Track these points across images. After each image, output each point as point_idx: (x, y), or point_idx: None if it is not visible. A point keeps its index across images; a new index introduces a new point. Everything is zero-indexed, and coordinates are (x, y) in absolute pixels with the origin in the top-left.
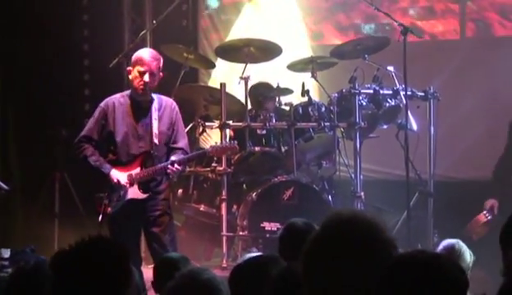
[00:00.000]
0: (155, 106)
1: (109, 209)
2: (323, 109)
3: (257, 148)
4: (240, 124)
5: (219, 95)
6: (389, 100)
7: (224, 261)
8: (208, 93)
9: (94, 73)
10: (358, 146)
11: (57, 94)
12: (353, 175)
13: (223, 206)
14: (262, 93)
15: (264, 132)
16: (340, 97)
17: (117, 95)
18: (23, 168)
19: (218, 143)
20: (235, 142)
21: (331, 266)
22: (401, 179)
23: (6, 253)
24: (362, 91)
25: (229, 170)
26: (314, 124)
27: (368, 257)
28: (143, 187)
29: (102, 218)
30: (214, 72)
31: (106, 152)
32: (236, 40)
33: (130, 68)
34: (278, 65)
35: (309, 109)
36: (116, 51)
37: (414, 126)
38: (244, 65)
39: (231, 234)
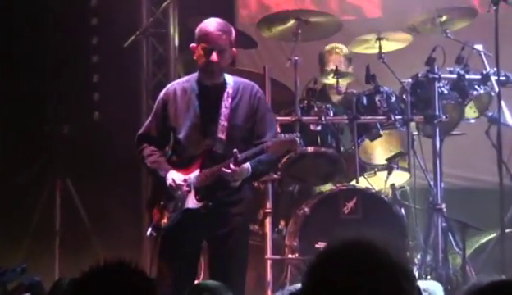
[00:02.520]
0: (229, 91)
1: (164, 221)
2: (393, 99)
3: (310, 149)
4: (289, 118)
5: (261, 81)
6: (477, 87)
7: (269, 293)
8: (247, 78)
9: (105, 54)
10: (438, 145)
11: (57, 80)
12: (431, 182)
13: (267, 221)
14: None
15: (319, 128)
16: (415, 84)
17: (182, 79)
18: (14, 173)
19: (279, 137)
20: (297, 134)
21: None
22: (493, 186)
23: None
24: (442, 76)
25: (275, 176)
26: (382, 117)
27: None
28: (201, 194)
29: (152, 231)
30: (256, 52)
31: (170, 154)
32: (285, 11)
33: (193, 45)
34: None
35: (376, 99)
36: (133, 26)
37: (509, 120)
38: (293, 42)
39: (278, 257)
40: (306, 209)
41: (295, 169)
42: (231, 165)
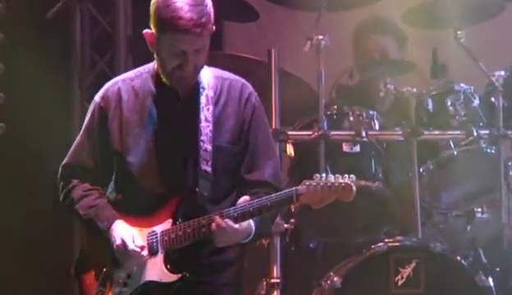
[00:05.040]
0: (208, 93)
1: None
2: (476, 102)
3: (341, 176)
4: (309, 132)
5: (263, 74)
6: None
7: None
8: (242, 69)
9: (13, 29)
10: None
11: None
12: None
13: None
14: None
15: (357, 149)
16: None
17: (129, 74)
18: None
19: (318, 180)
20: (352, 177)
21: None
22: None
23: None
24: None
25: (286, 225)
26: (458, 132)
27: None
28: (172, 260)
29: None
30: (257, 28)
31: (114, 189)
32: None
33: (149, 32)
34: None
35: (448, 103)
36: None
37: None
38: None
39: None
40: (336, 278)
41: (319, 215)
42: (228, 222)
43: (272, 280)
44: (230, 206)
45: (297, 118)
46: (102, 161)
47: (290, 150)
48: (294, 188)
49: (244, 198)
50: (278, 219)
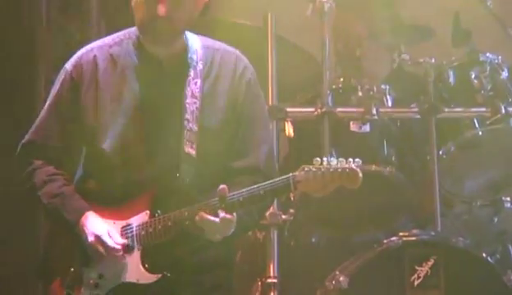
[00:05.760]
0: (196, 64)
1: None
2: (504, 74)
3: (345, 159)
4: (311, 109)
5: (259, 42)
6: None
7: None
8: (235, 37)
9: None
10: None
11: None
12: None
13: None
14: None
15: (367, 128)
16: None
17: (107, 40)
18: None
19: (319, 165)
20: (358, 161)
21: None
22: None
23: None
24: None
25: (284, 216)
26: (483, 109)
27: None
28: (151, 258)
29: None
30: None
31: (83, 174)
32: None
33: None
34: None
35: (472, 75)
36: None
37: None
38: None
39: None
40: (342, 278)
41: (323, 204)
42: (220, 213)
43: (268, 280)
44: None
45: (297, 93)
46: (70, 140)
47: (288, 130)
48: (291, 175)
49: (221, 187)
50: (275, 209)
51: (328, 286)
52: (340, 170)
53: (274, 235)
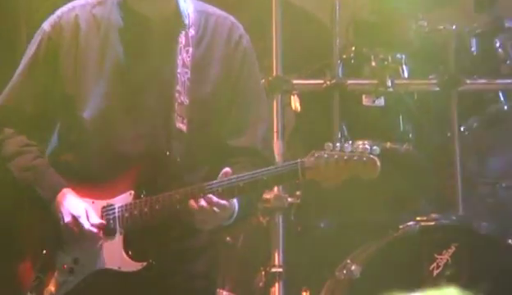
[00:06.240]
0: (189, 30)
1: (49, 289)
2: None
3: (361, 144)
4: (320, 81)
5: (261, 7)
6: None
7: None
8: (233, 0)
9: None
10: None
11: None
12: None
13: (275, 291)
14: None
15: (382, 102)
16: None
17: (89, 0)
18: None
19: (331, 150)
20: (376, 149)
21: None
22: None
23: None
24: None
25: (290, 198)
26: (509, 81)
27: None
28: (135, 244)
29: None
30: None
31: (58, 146)
32: None
33: None
34: None
35: (496, 43)
36: None
37: None
38: None
39: None
40: (354, 267)
41: (333, 187)
42: (214, 199)
43: (273, 269)
44: (209, 177)
45: (305, 63)
46: (45, 107)
47: (295, 104)
48: (299, 160)
49: (226, 170)
50: (281, 191)
51: (339, 276)
52: (356, 158)
53: (279, 220)
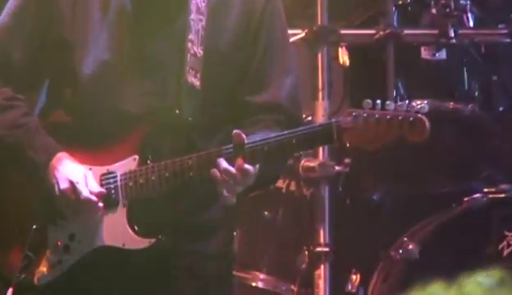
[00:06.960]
0: None
1: (41, 270)
2: None
3: (419, 104)
4: (372, 31)
5: None
6: None
7: None
8: None
9: None
10: None
11: None
12: None
13: (321, 273)
14: None
15: (444, 55)
16: None
17: None
18: None
19: (370, 108)
20: (424, 108)
21: None
22: None
23: None
24: None
25: (338, 167)
26: None
27: None
28: (141, 218)
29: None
30: None
31: (47, 104)
32: None
33: None
34: None
35: None
36: None
37: None
38: None
39: None
40: (411, 246)
41: (386, 153)
42: (241, 163)
43: (318, 249)
44: (227, 142)
45: (354, 10)
46: (37, 54)
47: (343, 57)
48: (334, 120)
49: (236, 132)
50: (326, 158)
51: (394, 256)
52: (400, 117)
53: (325, 192)
